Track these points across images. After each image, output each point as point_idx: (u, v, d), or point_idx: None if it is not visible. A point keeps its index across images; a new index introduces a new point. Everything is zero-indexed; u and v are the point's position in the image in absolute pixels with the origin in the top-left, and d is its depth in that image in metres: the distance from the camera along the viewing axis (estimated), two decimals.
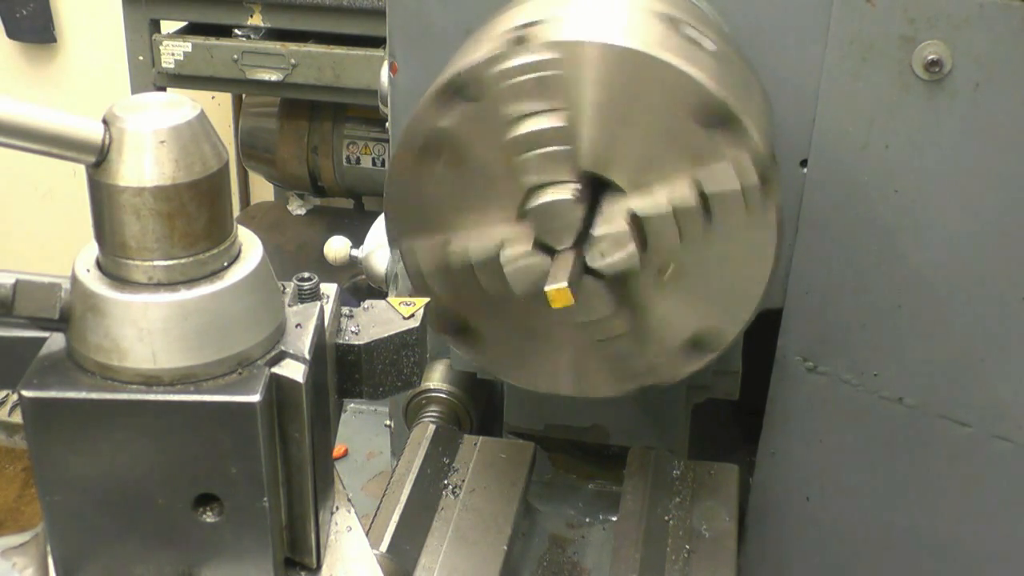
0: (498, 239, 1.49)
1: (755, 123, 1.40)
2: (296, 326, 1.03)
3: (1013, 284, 1.65)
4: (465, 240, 1.51)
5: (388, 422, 2.44)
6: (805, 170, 1.74)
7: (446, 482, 1.91)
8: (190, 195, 0.94)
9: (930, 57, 1.58)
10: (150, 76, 4.00)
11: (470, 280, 1.54)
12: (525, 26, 1.44)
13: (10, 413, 4.40)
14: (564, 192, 1.43)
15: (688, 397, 2.04)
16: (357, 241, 2.54)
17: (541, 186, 1.45)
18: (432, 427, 2.04)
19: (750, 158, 1.39)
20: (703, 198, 1.42)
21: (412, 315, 1.18)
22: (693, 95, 1.38)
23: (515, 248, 1.48)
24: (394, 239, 1.56)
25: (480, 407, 2.17)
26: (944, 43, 1.57)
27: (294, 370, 0.98)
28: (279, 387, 0.97)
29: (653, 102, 1.39)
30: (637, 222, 1.44)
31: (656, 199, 1.43)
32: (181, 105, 0.96)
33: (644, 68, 1.38)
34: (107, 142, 0.93)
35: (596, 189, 1.46)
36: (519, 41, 1.41)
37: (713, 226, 1.44)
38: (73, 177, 5.14)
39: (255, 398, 0.94)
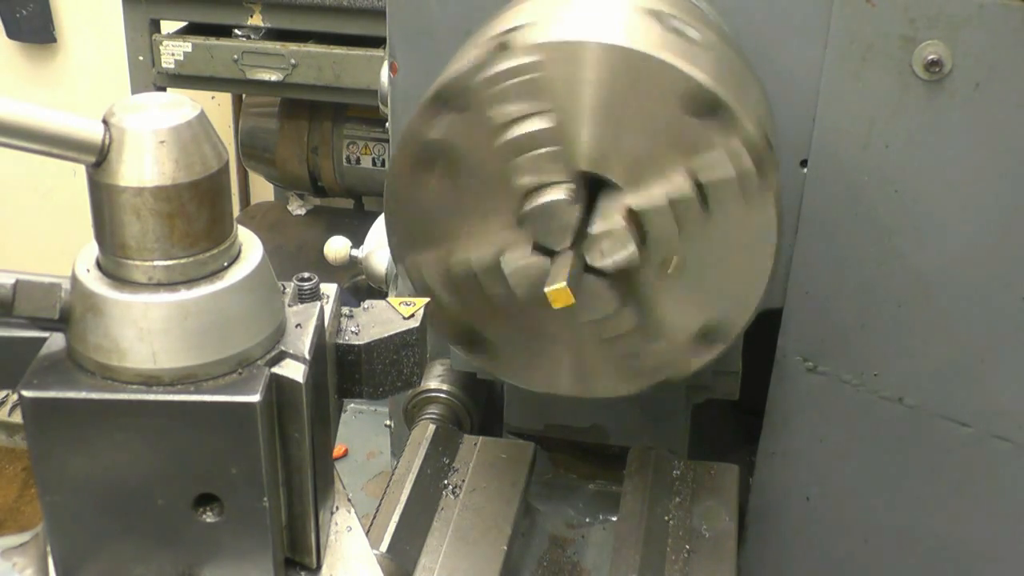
0: (498, 245, 1.49)
1: (746, 109, 1.39)
2: (296, 326, 1.03)
3: (1013, 284, 1.65)
4: (466, 249, 1.52)
5: (388, 422, 2.44)
6: (805, 170, 1.74)
7: (446, 482, 1.91)
8: (190, 195, 0.94)
9: (930, 57, 1.58)
10: (150, 76, 4.01)
11: (476, 289, 1.54)
12: (507, 32, 1.44)
13: (10, 413, 4.41)
14: (559, 193, 1.43)
15: (688, 397, 2.04)
16: (357, 241, 2.55)
17: (536, 189, 1.45)
18: (432, 427, 2.04)
19: (743, 144, 1.39)
20: (699, 188, 1.42)
21: (412, 315, 1.18)
22: (679, 85, 1.37)
23: (515, 253, 1.48)
24: (398, 256, 1.56)
25: (480, 407, 2.17)
26: (944, 43, 1.57)
27: (294, 370, 0.98)
28: (279, 387, 0.98)
29: (640, 96, 1.39)
30: (635, 217, 1.44)
31: (652, 193, 1.43)
32: (181, 105, 0.96)
33: (627, 62, 1.38)
34: (107, 142, 0.93)
35: (592, 188, 1.46)
36: (501, 47, 1.41)
37: (712, 215, 1.44)
38: (73, 177, 5.13)
39: (255, 398, 0.94)
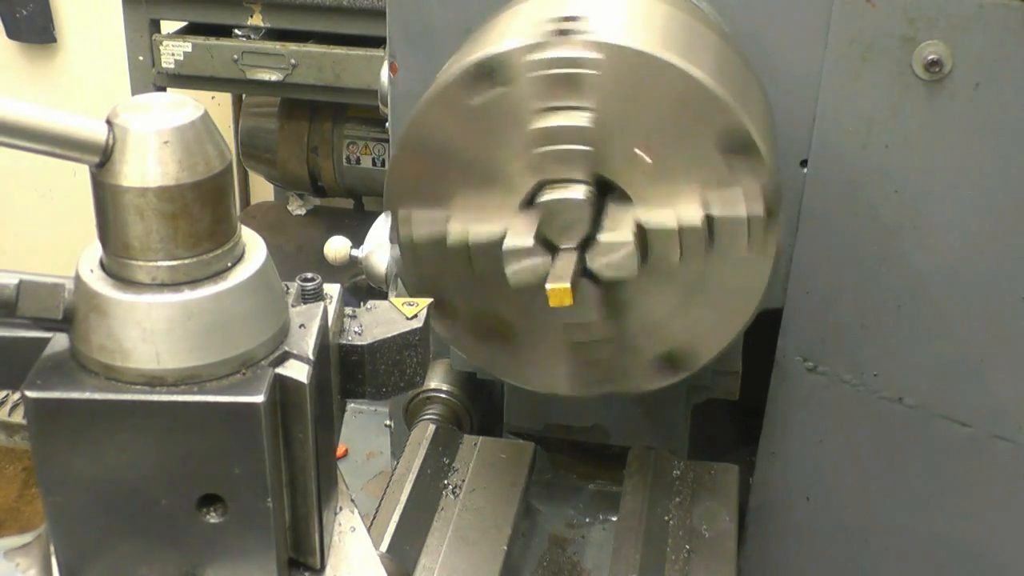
0: (500, 226, 1.48)
1: (770, 154, 1.40)
2: (300, 326, 1.03)
3: (1013, 284, 1.65)
4: (466, 221, 1.51)
5: (388, 422, 2.44)
6: (805, 170, 1.74)
7: (446, 482, 1.91)
8: (194, 195, 0.94)
9: (930, 57, 1.58)
10: (150, 76, 4.00)
11: (461, 259, 1.53)
12: (566, 19, 1.44)
13: (10, 413, 4.40)
14: (577, 192, 1.43)
15: (688, 397, 2.04)
16: (357, 241, 2.54)
17: (555, 181, 1.45)
18: (432, 427, 2.04)
19: (760, 189, 1.40)
20: (709, 221, 1.42)
21: (415, 315, 1.18)
22: (720, 119, 1.38)
23: (517, 240, 1.47)
24: (392, 202, 1.54)
25: (480, 407, 2.17)
26: (944, 43, 1.57)
27: (298, 371, 0.98)
28: (283, 388, 0.98)
29: (680, 119, 1.39)
30: (641, 232, 1.44)
31: (665, 213, 1.43)
32: (184, 105, 0.96)
33: (676, 83, 1.38)
34: (111, 142, 0.93)
35: (603, 193, 1.46)
36: (560, 33, 1.41)
37: (713, 249, 1.44)
38: (73, 177, 5.14)
39: (259, 399, 0.94)
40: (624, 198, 1.45)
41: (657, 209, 1.43)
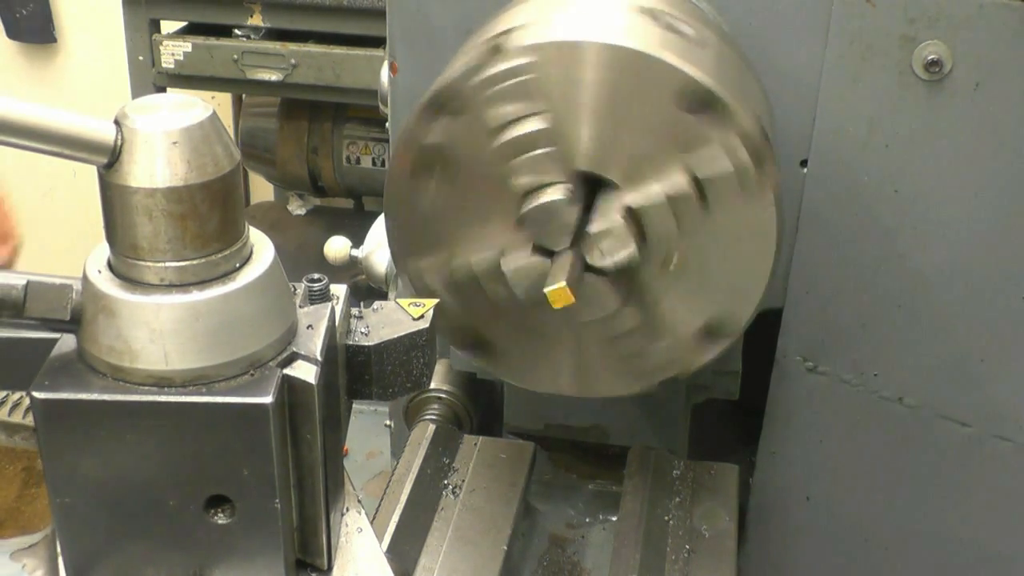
0: (499, 247, 1.49)
1: (741, 103, 1.39)
2: (307, 327, 1.04)
3: (1013, 284, 1.66)
4: (467, 252, 1.52)
5: (388, 422, 2.44)
6: (805, 170, 1.74)
7: (446, 482, 1.91)
8: (202, 196, 0.94)
9: (930, 57, 1.58)
10: (150, 76, 4.00)
11: (478, 292, 1.54)
12: (500, 34, 1.44)
13: (10, 413, 4.40)
14: (557, 193, 1.43)
15: (688, 397, 2.04)
16: (357, 241, 2.54)
17: (534, 190, 1.45)
18: (432, 427, 2.04)
19: (739, 138, 1.39)
20: (697, 184, 1.42)
21: (422, 316, 1.19)
22: (674, 82, 1.37)
23: (515, 254, 1.48)
24: (400, 262, 1.56)
25: (480, 407, 2.17)
26: (944, 43, 1.57)
27: (306, 371, 0.98)
28: (291, 388, 0.98)
29: (635, 94, 1.39)
30: (633, 215, 1.44)
31: (650, 190, 1.43)
32: (193, 106, 0.96)
33: (621, 60, 1.38)
34: (119, 143, 0.93)
35: (591, 187, 1.46)
36: (495, 49, 1.41)
37: (711, 211, 1.44)
38: (73, 177, 5.14)
39: (267, 399, 0.94)
40: (612, 187, 1.45)
41: (642, 187, 1.43)
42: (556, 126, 1.42)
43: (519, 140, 1.43)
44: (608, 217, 1.43)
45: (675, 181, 1.42)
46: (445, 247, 1.53)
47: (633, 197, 1.43)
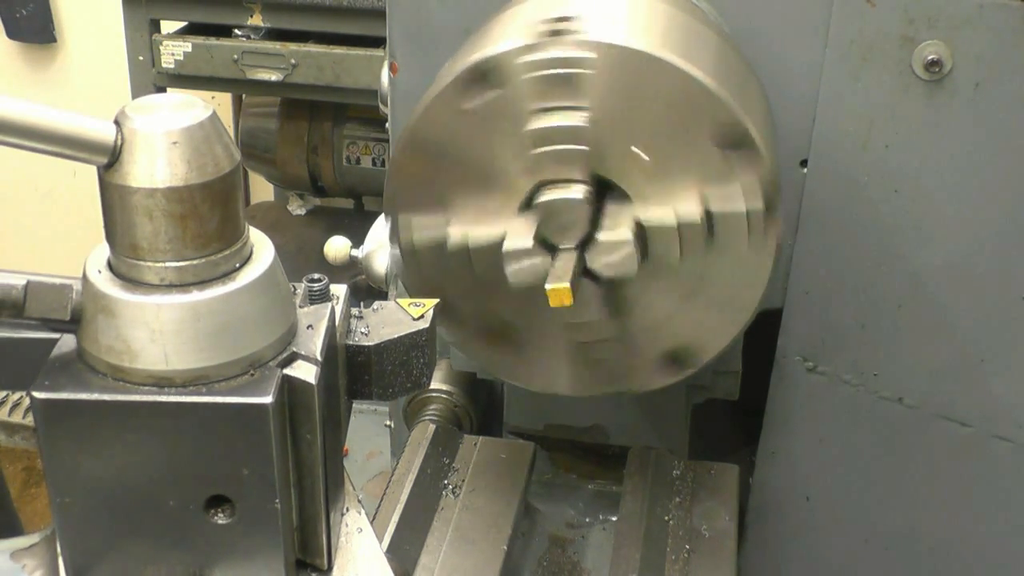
0: (499, 228, 1.48)
1: (766, 146, 1.40)
2: (307, 327, 1.04)
3: (1013, 284, 1.66)
4: (465, 225, 1.51)
5: (388, 422, 2.44)
6: (805, 170, 1.74)
7: (446, 482, 1.91)
8: (202, 196, 0.94)
9: (930, 57, 1.59)
10: (150, 76, 4.00)
11: (462, 262, 1.53)
12: (560, 19, 1.43)
13: (10, 413, 4.41)
14: (576, 192, 1.43)
15: (688, 397, 2.04)
16: (357, 241, 2.54)
17: (553, 182, 1.45)
18: (432, 427, 2.04)
19: (759, 184, 1.40)
20: (708, 216, 1.43)
21: (422, 316, 1.19)
22: (716, 115, 1.38)
23: (516, 241, 1.47)
24: (392, 208, 1.54)
25: (480, 407, 2.17)
26: (944, 43, 1.58)
27: (306, 371, 0.98)
28: (291, 389, 0.98)
29: (674, 115, 1.39)
30: (641, 230, 1.44)
31: (662, 210, 1.43)
32: (193, 106, 0.96)
33: (671, 80, 1.37)
34: (119, 143, 0.93)
35: (601, 192, 1.46)
36: (554, 34, 1.41)
37: (713, 245, 1.44)
38: (73, 177, 5.14)
39: (267, 400, 0.94)
40: (623, 197, 1.45)
41: (656, 207, 1.43)
42: (594, 127, 1.41)
43: (552, 131, 1.42)
44: (618, 228, 1.43)
45: (688, 208, 1.42)
46: (443, 209, 1.51)
47: (643, 212, 1.43)
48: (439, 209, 1.51)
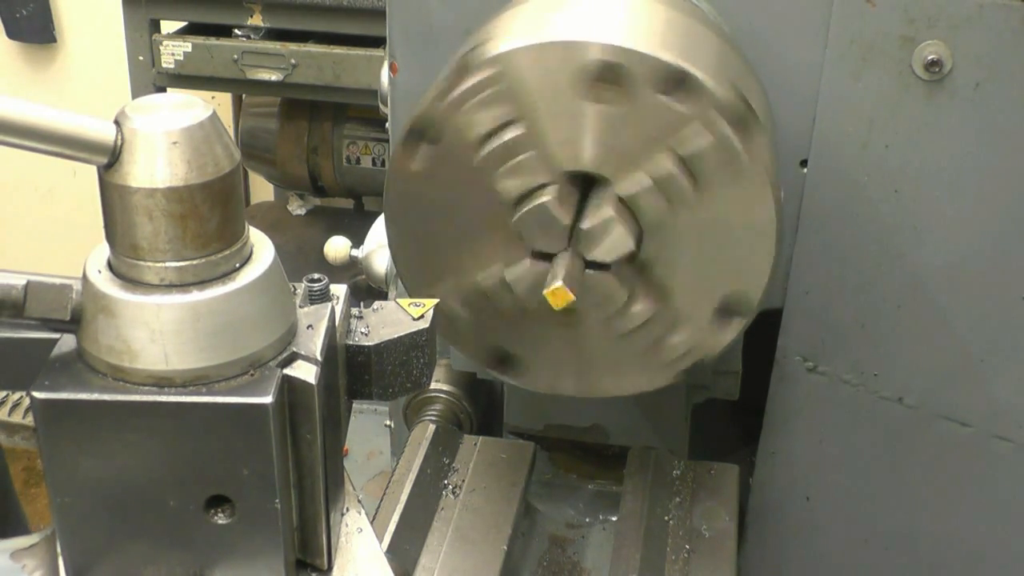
0: (502, 260, 1.50)
1: (714, 76, 1.39)
2: (307, 327, 1.04)
3: (1013, 284, 1.66)
4: (473, 271, 1.53)
5: (388, 422, 2.44)
6: (805, 170, 1.74)
7: (446, 482, 1.91)
8: (202, 196, 0.94)
9: (930, 57, 1.58)
10: (150, 76, 4.00)
11: (493, 307, 1.54)
12: (465, 53, 1.45)
13: (10, 413, 4.41)
14: (545, 196, 1.43)
15: (688, 397, 2.04)
16: (357, 241, 2.55)
17: (524, 196, 1.46)
18: (432, 427, 2.04)
19: (717, 110, 1.39)
20: (684, 164, 1.42)
21: (422, 316, 1.19)
22: (641, 67, 1.37)
23: (515, 266, 1.48)
24: (414, 293, 1.57)
25: (480, 407, 2.17)
26: (944, 43, 1.57)
27: (306, 371, 0.98)
28: (291, 389, 0.98)
29: (602, 85, 1.39)
30: (625, 205, 1.44)
31: (636, 177, 1.43)
32: (193, 106, 0.96)
33: (583, 56, 1.37)
34: (119, 143, 0.93)
35: (584, 186, 1.46)
36: (460, 69, 1.42)
37: (703, 189, 1.43)
38: (73, 177, 5.14)
39: (267, 400, 0.94)
40: (603, 182, 1.45)
41: (632, 178, 1.43)
42: (532, 129, 1.42)
43: (498, 150, 1.44)
44: (599, 211, 1.43)
45: (660, 164, 1.41)
46: (453, 269, 1.54)
47: (622, 187, 1.43)
48: (448, 267, 1.55)
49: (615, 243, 1.43)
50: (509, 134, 1.43)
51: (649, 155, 1.41)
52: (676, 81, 1.37)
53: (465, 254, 1.53)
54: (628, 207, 1.44)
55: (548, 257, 1.46)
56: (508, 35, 1.44)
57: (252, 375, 0.97)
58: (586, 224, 1.43)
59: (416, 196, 1.49)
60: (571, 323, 1.54)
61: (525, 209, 1.44)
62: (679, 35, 1.48)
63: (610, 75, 1.38)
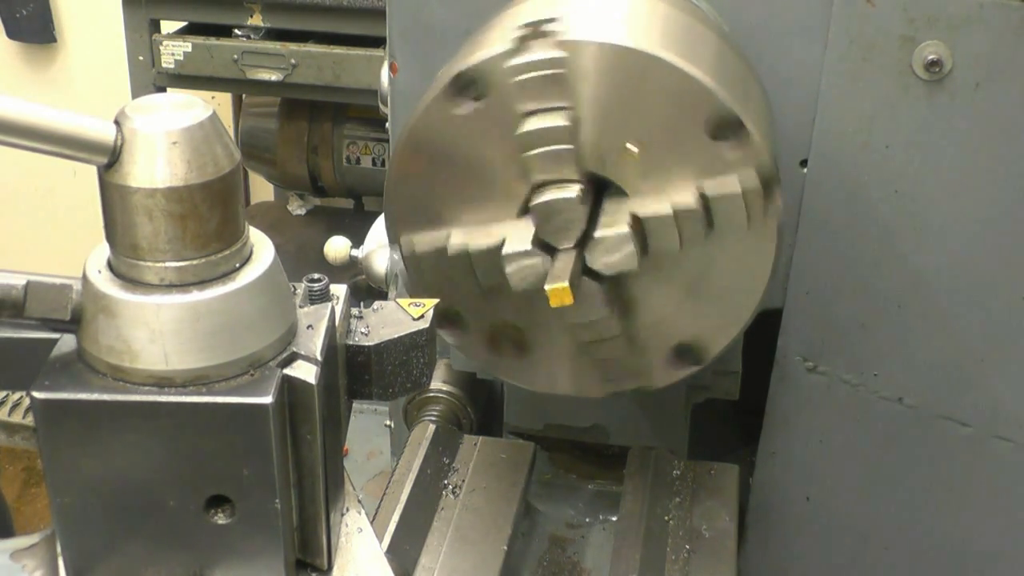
0: (498, 234, 1.49)
1: (761, 132, 1.40)
2: (307, 327, 1.04)
3: (1013, 284, 1.66)
4: (464, 234, 1.51)
5: (388, 422, 2.44)
6: (805, 170, 1.74)
7: (446, 482, 1.91)
8: (202, 196, 0.94)
9: (930, 57, 1.58)
10: (150, 76, 4.00)
11: (465, 271, 1.53)
12: (536, 23, 1.44)
13: (10, 413, 4.41)
14: (569, 191, 1.42)
15: (688, 397, 2.04)
16: (357, 241, 2.55)
17: (545, 184, 1.45)
18: (432, 427, 2.04)
19: (755, 168, 1.40)
20: (705, 203, 1.42)
21: (422, 316, 1.19)
22: (703, 103, 1.38)
23: (516, 245, 1.47)
24: (393, 231, 1.55)
25: (480, 407, 2.17)
26: (944, 43, 1.57)
27: (306, 371, 0.98)
28: (291, 388, 0.98)
29: (661, 107, 1.39)
30: (638, 225, 1.44)
31: (659, 202, 1.43)
32: (193, 106, 0.96)
33: (654, 72, 1.38)
34: (119, 143, 0.93)
35: (598, 190, 1.46)
36: (530, 37, 1.41)
37: (713, 234, 1.44)
38: (73, 177, 5.14)
39: (267, 400, 0.94)
40: (620, 194, 1.45)
41: (652, 199, 1.43)
42: (578, 125, 1.41)
43: (539, 133, 1.42)
44: (615, 223, 1.43)
45: (685, 197, 1.42)
46: (442, 224, 1.52)
47: (640, 206, 1.43)
48: (439, 219, 1.52)
49: (622, 260, 1.43)
50: (555, 120, 1.41)
51: (676, 185, 1.42)
52: (730, 127, 1.38)
53: (465, 212, 1.51)
54: (639, 226, 1.44)
55: (547, 247, 1.45)
56: (587, 22, 1.44)
57: (252, 375, 0.97)
58: (600, 233, 1.43)
59: (437, 138, 1.47)
60: (530, 311, 1.55)
61: (547, 198, 1.43)
62: (713, 53, 1.48)
63: (669, 99, 1.39)
